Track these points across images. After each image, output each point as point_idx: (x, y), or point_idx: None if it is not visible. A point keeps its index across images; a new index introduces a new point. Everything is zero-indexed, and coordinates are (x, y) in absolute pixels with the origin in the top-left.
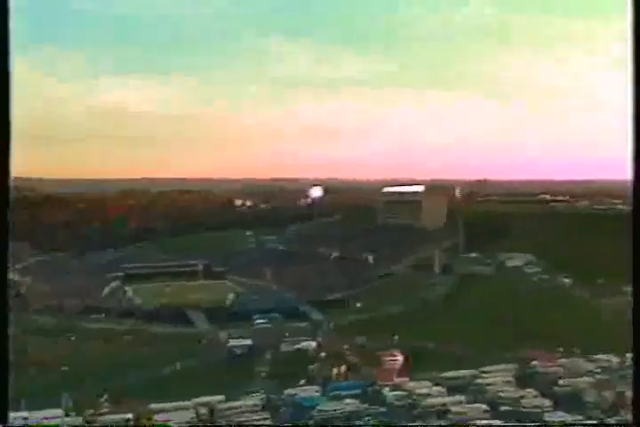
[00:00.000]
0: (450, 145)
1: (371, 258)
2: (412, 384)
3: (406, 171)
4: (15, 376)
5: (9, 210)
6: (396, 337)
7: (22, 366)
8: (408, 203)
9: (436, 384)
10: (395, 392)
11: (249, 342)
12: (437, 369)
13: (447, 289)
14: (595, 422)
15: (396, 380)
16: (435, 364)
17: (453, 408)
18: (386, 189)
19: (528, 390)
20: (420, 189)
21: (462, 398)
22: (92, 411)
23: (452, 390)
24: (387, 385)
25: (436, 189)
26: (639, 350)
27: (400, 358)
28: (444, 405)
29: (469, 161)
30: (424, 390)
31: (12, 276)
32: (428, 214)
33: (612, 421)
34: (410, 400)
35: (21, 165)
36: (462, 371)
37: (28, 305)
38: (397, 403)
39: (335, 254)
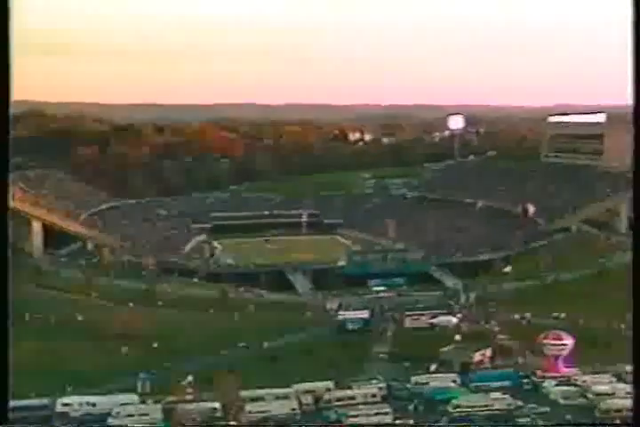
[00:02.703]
0: None
1: (531, 209)
2: (585, 378)
3: (581, 94)
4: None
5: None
6: (564, 315)
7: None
8: (584, 137)
9: (621, 380)
10: (561, 387)
11: (365, 314)
12: (623, 360)
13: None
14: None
15: (564, 371)
16: (620, 353)
17: None
18: (553, 119)
19: None
20: (602, 117)
21: None
22: (171, 398)
23: None
24: (550, 377)
25: (625, 117)
26: (639, 350)
27: (569, 342)
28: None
29: None
30: (603, 388)
31: (76, 228)
32: (611, 152)
33: None
34: (583, 399)
35: (86, 85)
36: None
37: (97, 263)
38: (565, 402)
39: (482, 204)
